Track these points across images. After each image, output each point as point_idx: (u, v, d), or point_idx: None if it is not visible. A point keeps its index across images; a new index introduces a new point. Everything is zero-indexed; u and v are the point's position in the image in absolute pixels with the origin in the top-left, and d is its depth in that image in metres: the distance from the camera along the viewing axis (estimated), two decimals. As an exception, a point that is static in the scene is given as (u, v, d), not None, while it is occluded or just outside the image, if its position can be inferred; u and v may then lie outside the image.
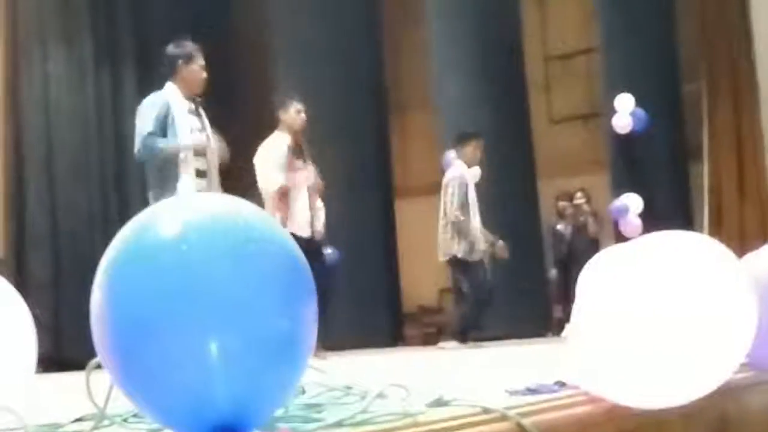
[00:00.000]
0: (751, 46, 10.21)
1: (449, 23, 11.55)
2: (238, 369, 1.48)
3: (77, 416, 2.13)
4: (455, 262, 8.93)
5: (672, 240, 2.24)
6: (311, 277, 1.63)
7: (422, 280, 11.97)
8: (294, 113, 7.70)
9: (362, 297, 11.09)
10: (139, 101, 6.36)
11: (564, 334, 10.61)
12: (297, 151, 7.86)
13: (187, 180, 6.04)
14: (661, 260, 2.10)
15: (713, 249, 2.18)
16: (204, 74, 6.24)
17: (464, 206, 8.75)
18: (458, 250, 8.82)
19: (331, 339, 7.27)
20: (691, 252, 2.16)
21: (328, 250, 10.10)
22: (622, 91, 10.63)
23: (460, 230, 8.80)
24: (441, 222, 9.01)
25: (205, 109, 6.40)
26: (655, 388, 2.00)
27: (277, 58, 11.94)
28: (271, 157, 7.71)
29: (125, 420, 1.93)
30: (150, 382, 1.51)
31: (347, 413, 1.76)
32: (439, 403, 1.88)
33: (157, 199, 5.91)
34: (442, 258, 9.07)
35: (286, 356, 1.56)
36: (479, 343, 8.55)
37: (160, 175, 6.09)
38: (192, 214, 1.58)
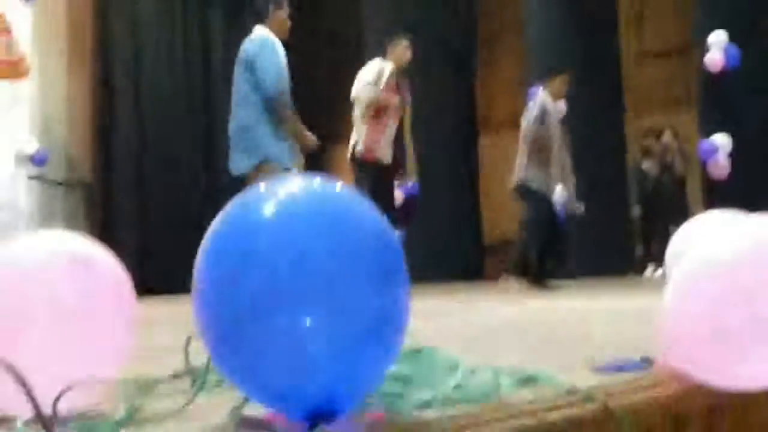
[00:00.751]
0: None
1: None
2: (334, 350, 1.49)
3: (173, 372, 2.15)
4: (520, 189, 8.75)
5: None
6: (403, 257, 1.64)
7: (504, 214, 11.91)
8: (403, 48, 7.75)
9: (444, 229, 11.12)
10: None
11: (646, 274, 10.63)
12: (400, 77, 7.91)
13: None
14: (757, 239, 2.07)
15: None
16: (290, 21, 6.26)
17: (542, 135, 8.54)
18: (524, 176, 8.66)
19: (414, 271, 7.25)
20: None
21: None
22: (716, 27, 10.39)
23: (532, 153, 8.60)
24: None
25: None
26: (746, 368, 1.98)
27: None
28: (374, 70, 7.74)
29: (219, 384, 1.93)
30: (249, 363, 1.54)
31: (438, 391, 1.77)
32: (528, 380, 1.89)
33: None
34: (512, 184, 8.85)
35: (380, 337, 1.57)
36: (548, 282, 8.38)
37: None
38: (295, 197, 1.60)
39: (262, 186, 1.65)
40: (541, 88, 8.78)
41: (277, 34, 6.12)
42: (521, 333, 3.84)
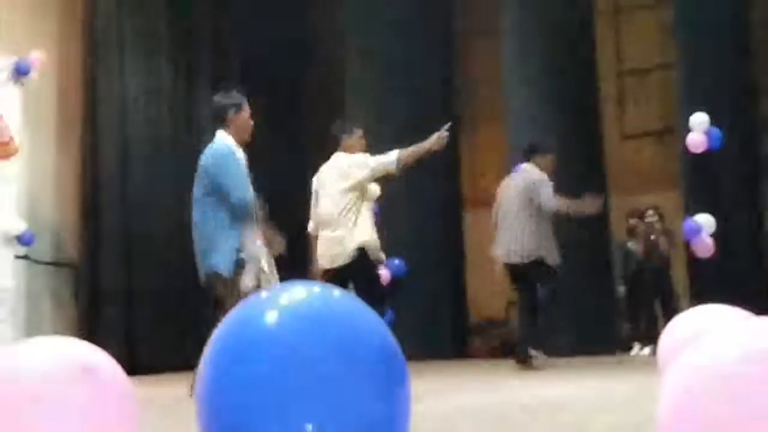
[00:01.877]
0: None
1: (521, 37, 11.54)
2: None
3: None
4: (535, 262, 8.27)
5: (755, 323, 2.20)
6: (404, 362, 1.66)
7: (489, 292, 11.89)
8: (357, 138, 7.37)
9: (429, 307, 11.08)
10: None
11: (632, 352, 10.60)
12: None
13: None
14: (746, 344, 2.08)
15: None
16: (251, 122, 6.05)
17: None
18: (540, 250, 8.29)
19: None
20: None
21: (395, 261, 10.10)
22: (698, 109, 10.49)
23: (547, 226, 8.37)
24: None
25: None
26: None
27: (350, 69, 11.95)
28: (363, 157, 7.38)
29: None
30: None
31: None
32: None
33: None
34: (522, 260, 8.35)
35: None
36: (548, 359, 8.29)
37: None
38: (294, 308, 1.61)
39: (263, 295, 1.67)
40: (527, 165, 8.55)
41: (240, 136, 5.90)
42: (515, 412, 3.83)
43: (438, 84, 11.99)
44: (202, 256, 5.87)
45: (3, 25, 9.55)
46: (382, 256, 7.31)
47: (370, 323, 1.64)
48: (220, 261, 5.68)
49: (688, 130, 10.42)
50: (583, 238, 10.08)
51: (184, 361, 5.24)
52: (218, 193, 5.75)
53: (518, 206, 8.22)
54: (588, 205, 8.45)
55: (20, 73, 9.52)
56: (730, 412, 1.95)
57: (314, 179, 7.04)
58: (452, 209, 12.16)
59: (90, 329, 9.39)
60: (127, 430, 1.81)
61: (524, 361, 8.14)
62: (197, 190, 5.94)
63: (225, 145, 5.86)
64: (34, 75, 9.63)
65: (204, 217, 5.88)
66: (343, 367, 1.54)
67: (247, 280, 5.80)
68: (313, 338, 1.56)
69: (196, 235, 5.99)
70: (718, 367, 2.04)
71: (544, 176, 8.25)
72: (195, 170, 5.94)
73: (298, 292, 1.66)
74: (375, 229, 6.97)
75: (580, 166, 10.78)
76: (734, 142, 10.44)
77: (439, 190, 11.81)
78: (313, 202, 7.12)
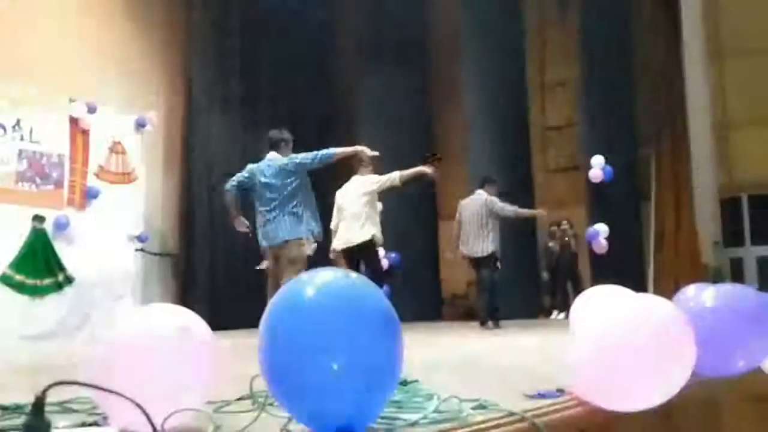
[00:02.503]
0: (686, 126, 10.11)
1: (480, 106, 11.65)
2: (353, 386, 1.51)
3: (240, 396, 2.12)
4: (492, 256, 8.25)
5: (636, 296, 2.22)
6: (399, 324, 1.66)
7: (455, 276, 11.84)
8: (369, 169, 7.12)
9: (414, 286, 11.03)
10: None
11: (552, 316, 10.66)
12: None
13: None
14: (632, 309, 2.09)
15: (665, 304, 2.14)
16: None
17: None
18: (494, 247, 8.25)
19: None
20: (649, 303, 2.14)
21: (392, 254, 10.07)
22: (596, 153, 10.52)
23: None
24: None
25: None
26: (624, 397, 2.00)
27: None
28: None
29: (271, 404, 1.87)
30: (294, 394, 1.55)
31: (419, 414, 1.77)
32: (480, 407, 1.88)
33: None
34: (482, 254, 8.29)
35: (384, 377, 1.58)
36: (496, 323, 8.30)
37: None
38: (323, 285, 1.62)
39: (304, 276, 1.67)
40: (479, 189, 8.60)
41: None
42: (471, 364, 3.81)
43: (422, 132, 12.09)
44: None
45: (126, 85, 9.56)
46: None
47: (374, 294, 1.64)
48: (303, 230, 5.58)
49: (590, 167, 10.44)
50: (518, 240, 10.09)
51: (251, 322, 5.24)
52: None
53: (478, 218, 8.24)
54: (530, 212, 8.95)
55: (140, 125, 9.55)
56: (618, 358, 1.96)
57: (338, 193, 7.02)
58: (431, 220, 12.20)
59: (185, 300, 9.39)
60: (213, 368, 1.80)
61: (483, 323, 8.19)
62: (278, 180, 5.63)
63: (279, 161, 5.64)
64: (149, 128, 9.67)
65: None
66: (356, 325, 1.55)
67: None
68: (336, 305, 1.56)
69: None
70: (610, 325, 2.06)
71: (494, 197, 8.32)
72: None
73: (326, 274, 1.67)
74: (380, 228, 6.99)
75: (517, 191, 10.80)
76: (621, 175, 10.44)
77: (422, 206, 11.86)
78: (336, 207, 7.07)
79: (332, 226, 7.05)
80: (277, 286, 5.62)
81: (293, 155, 5.63)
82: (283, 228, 5.51)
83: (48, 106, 8.66)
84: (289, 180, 5.57)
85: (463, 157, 11.42)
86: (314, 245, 6.23)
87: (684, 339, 2.05)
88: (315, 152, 5.61)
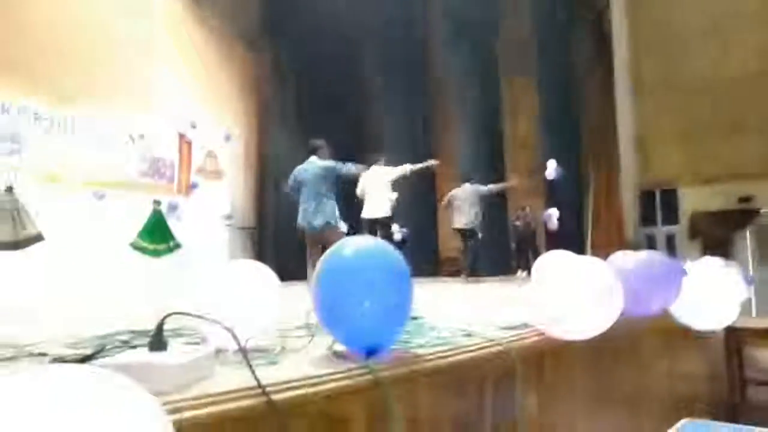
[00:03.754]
0: (616, 140, 9.99)
1: (466, 128, 11.58)
2: (378, 317, 1.50)
3: (297, 326, 2.10)
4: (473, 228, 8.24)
5: (577, 258, 2.20)
6: (410, 275, 1.65)
7: (448, 244, 11.77)
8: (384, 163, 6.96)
9: (420, 250, 10.98)
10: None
11: (517, 275, 10.63)
12: None
13: None
14: (577, 266, 2.07)
15: (599, 263, 2.12)
16: None
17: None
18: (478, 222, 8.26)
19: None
20: (587, 261, 2.12)
21: (404, 229, 10.04)
22: (550, 158, 10.42)
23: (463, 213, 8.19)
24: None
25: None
26: (570, 329, 1.98)
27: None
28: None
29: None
30: (338, 323, 1.54)
31: (425, 339, 1.77)
32: (467, 335, 1.87)
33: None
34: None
35: (400, 312, 1.57)
36: (478, 278, 8.34)
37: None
38: (357, 247, 1.61)
39: (344, 240, 1.67)
40: (465, 183, 8.57)
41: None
42: (460, 305, 3.80)
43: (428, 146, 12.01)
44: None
45: (217, 107, 9.60)
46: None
47: (392, 253, 1.63)
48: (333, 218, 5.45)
49: (546, 169, 10.35)
50: (494, 220, 10.04)
51: (304, 276, 5.23)
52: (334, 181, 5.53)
53: (467, 202, 8.25)
54: (502, 185, 8.90)
55: (226, 137, 9.58)
56: (566, 300, 1.93)
57: (364, 175, 6.64)
58: (432, 203, 12.11)
59: (259, 259, 9.46)
60: (279, 304, 1.80)
61: (466, 278, 8.18)
62: (318, 179, 5.48)
63: (321, 162, 5.54)
64: (233, 139, 9.70)
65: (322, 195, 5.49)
66: (380, 275, 1.54)
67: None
68: (366, 261, 1.56)
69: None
70: (562, 277, 2.03)
71: (477, 186, 8.34)
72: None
73: (359, 240, 1.66)
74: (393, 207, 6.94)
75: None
76: (569, 176, 10.37)
77: (427, 195, 11.81)
78: (360, 186, 6.92)
79: (358, 193, 6.95)
80: (312, 255, 5.60)
81: (329, 162, 5.52)
82: (317, 216, 5.45)
83: (163, 124, 8.71)
84: (323, 179, 5.49)
85: (455, 161, 11.35)
86: (342, 229, 6.05)
87: (614, 287, 2.03)
88: (343, 164, 5.52)
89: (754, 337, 4.20)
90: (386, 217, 6.80)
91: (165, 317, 1.27)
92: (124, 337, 1.93)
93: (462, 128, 11.72)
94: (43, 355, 1.66)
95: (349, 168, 5.57)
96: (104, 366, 1.09)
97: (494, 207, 9.90)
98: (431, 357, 1.56)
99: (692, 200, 10.27)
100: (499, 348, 1.72)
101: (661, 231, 11.03)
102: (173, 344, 1.35)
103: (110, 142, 8.09)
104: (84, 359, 1.48)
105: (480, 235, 8.32)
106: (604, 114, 10.35)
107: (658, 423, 2.59)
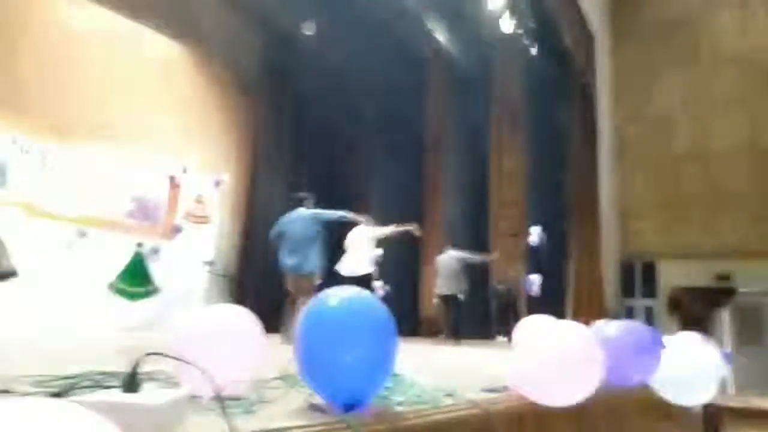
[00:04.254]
0: (598, 212, 10.16)
1: (453, 189, 11.72)
2: (359, 373, 1.48)
3: (275, 376, 2.06)
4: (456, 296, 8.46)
5: (560, 323, 2.19)
6: (395, 330, 1.63)
7: (429, 306, 11.68)
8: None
9: (401, 310, 10.87)
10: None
11: (497, 339, 10.53)
12: None
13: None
14: (559, 331, 2.06)
15: (581, 329, 2.12)
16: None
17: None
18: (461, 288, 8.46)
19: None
20: (570, 327, 2.12)
21: (387, 286, 9.98)
22: (534, 224, 10.53)
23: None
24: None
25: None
26: (551, 394, 1.96)
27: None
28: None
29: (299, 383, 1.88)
30: (316, 375, 1.52)
31: (404, 396, 1.74)
32: (448, 395, 1.84)
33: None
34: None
35: (381, 368, 1.55)
36: (460, 341, 8.29)
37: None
38: (342, 299, 1.60)
39: (329, 291, 1.66)
40: (450, 249, 8.65)
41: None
42: (441, 366, 3.74)
43: (414, 204, 12.10)
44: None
45: (208, 153, 9.64)
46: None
47: (378, 307, 1.62)
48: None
49: (529, 234, 10.45)
50: (477, 283, 10.01)
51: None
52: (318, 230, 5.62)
53: (449, 268, 8.32)
54: (483, 258, 8.87)
55: (216, 183, 9.60)
56: (547, 366, 1.92)
57: (352, 232, 6.84)
58: (415, 265, 12.09)
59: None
60: (260, 354, 1.76)
61: (446, 340, 8.12)
62: (305, 230, 5.62)
63: (306, 213, 5.70)
64: (223, 185, 9.72)
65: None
66: (364, 328, 1.53)
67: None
68: (351, 314, 1.55)
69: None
70: (543, 341, 2.03)
71: (462, 253, 8.42)
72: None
73: (344, 291, 1.65)
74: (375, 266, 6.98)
75: (479, 247, 10.79)
76: (552, 243, 10.46)
77: (410, 255, 11.79)
78: (348, 240, 6.95)
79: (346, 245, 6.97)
80: (293, 303, 5.57)
81: (317, 211, 5.65)
82: (292, 256, 5.55)
83: (154, 166, 8.73)
84: (309, 228, 5.62)
85: (440, 224, 11.42)
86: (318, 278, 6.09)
87: (596, 355, 2.02)
88: (333, 212, 5.65)
89: (731, 416, 4.18)
90: (367, 274, 6.81)
91: (141, 357, 1.23)
92: (95, 377, 1.87)
93: (449, 191, 11.86)
94: (7, 392, 1.60)
95: (333, 213, 5.68)
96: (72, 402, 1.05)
97: (476, 271, 9.91)
98: (411, 416, 1.53)
99: (671, 274, 10.40)
100: (479, 410, 1.68)
101: (640, 303, 11.12)
102: (147, 387, 1.31)
103: (98, 180, 8.06)
104: (52, 397, 1.43)
105: (462, 301, 8.39)
106: (588, 182, 10.59)
107: (636, 499, 2.53)
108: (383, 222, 7.05)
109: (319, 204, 5.85)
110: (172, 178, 8.95)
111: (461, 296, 8.34)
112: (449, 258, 8.39)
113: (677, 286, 10.16)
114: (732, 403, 4.22)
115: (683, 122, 10.54)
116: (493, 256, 9.19)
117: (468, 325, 9.82)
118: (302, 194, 5.83)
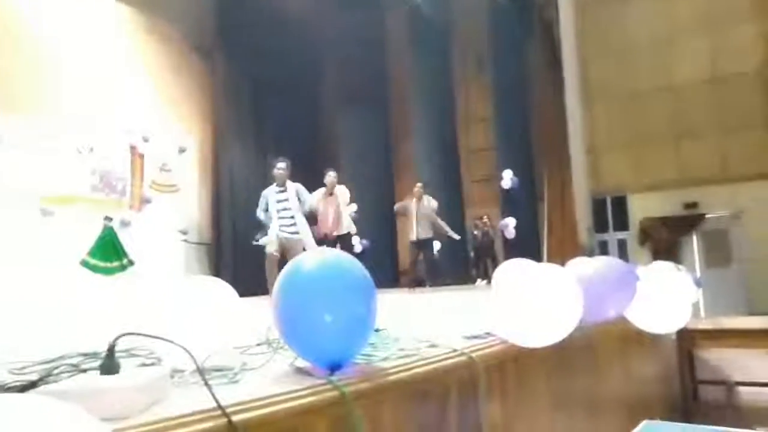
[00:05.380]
0: (567, 150, 10.22)
1: (423, 138, 11.67)
2: (341, 332, 1.47)
3: (257, 342, 2.02)
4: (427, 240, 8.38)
5: (538, 266, 2.21)
6: (374, 286, 1.62)
7: (406, 256, 11.81)
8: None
9: (380, 262, 10.97)
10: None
11: (476, 284, 10.73)
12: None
13: None
14: (534, 275, 2.09)
15: (559, 271, 2.14)
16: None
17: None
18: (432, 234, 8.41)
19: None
20: (548, 270, 2.14)
21: (364, 241, 10.01)
22: (505, 168, 10.61)
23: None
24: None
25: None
26: (532, 337, 1.99)
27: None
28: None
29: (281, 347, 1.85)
30: (299, 338, 1.51)
31: (388, 352, 1.75)
32: (432, 345, 1.86)
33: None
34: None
35: (364, 325, 1.55)
36: (437, 288, 8.42)
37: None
38: (320, 259, 1.58)
39: (306, 253, 1.63)
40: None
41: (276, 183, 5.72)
42: (423, 316, 3.79)
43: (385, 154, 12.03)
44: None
45: (171, 120, 9.40)
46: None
47: (357, 265, 1.61)
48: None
49: (501, 178, 10.52)
50: (453, 229, 10.10)
51: (261, 290, 5.17)
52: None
53: (420, 214, 8.32)
54: (449, 231, 8.62)
55: (181, 150, 9.39)
56: (526, 308, 1.94)
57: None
58: (391, 215, 12.10)
59: (216, 275, 9.26)
60: (239, 321, 1.74)
61: (422, 285, 8.25)
62: (290, 198, 5.61)
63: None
64: (188, 152, 9.51)
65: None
66: (343, 287, 1.52)
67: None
68: (329, 273, 1.53)
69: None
70: (521, 285, 2.04)
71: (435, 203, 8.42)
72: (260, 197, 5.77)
73: (321, 252, 1.63)
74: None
75: (451, 195, 10.88)
76: (524, 185, 10.56)
77: (385, 206, 11.79)
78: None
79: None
80: (279, 266, 5.56)
81: (299, 186, 5.61)
82: (293, 227, 5.54)
83: (114, 136, 8.47)
84: (294, 198, 5.57)
85: (412, 173, 11.40)
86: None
87: (574, 295, 2.05)
88: (306, 195, 5.61)
89: (704, 339, 4.35)
90: (346, 234, 6.90)
91: (117, 338, 1.21)
92: (73, 361, 1.83)
93: (420, 138, 11.79)
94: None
95: (311, 198, 5.74)
96: (50, 393, 1.03)
97: (452, 217, 9.97)
98: (395, 370, 1.54)
99: (641, 206, 10.62)
100: (463, 357, 1.71)
101: (613, 237, 11.37)
102: (126, 366, 1.28)
103: (58, 155, 7.80)
104: (28, 386, 1.40)
105: (436, 246, 8.45)
106: (556, 122, 10.60)
107: (617, 425, 2.64)
108: (354, 176, 7.03)
109: (293, 168, 5.75)
110: (133, 148, 8.71)
111: (432, 241, 8.44)
112: (422, 204, 8.40)
113: (646, 218, 10.42)
114: (703, 326, 4.38)
115: (650, 54, 10.56)
116: (454, 236, 8.98)
117: (446, 270, 9.97)
118: (281, 164, 5.72)
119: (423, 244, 8.30)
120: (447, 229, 8.49)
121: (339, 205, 6.89)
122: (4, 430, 0.62)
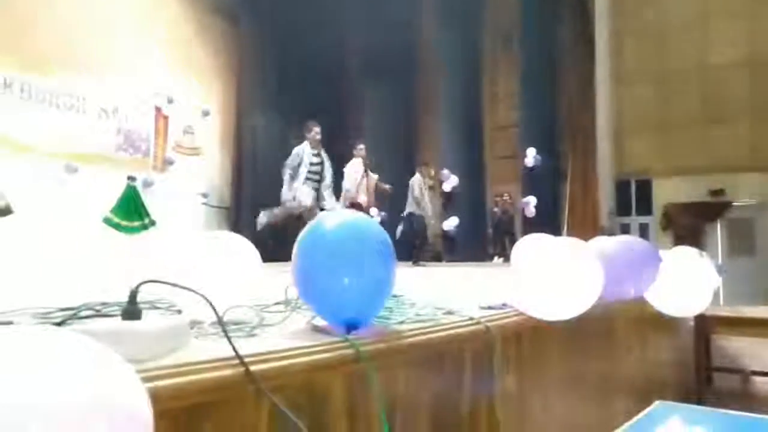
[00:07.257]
0: (594, 131, 10.07)
1: (447, 113, 11.53)
2: (360, 293, 1.47)
3: (276, 301, 2.04)
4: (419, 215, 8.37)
5: (559, 240, 2.19)
6: (393, 248, 1.61)
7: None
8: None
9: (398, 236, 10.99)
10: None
11: (494, 261, 10.70)
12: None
13: None
14: (555, 248, 2.06)
15: (580, 244, 2.12)
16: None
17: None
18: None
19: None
20: (569, 243, 2.12)
21: (383, 213, 10.01)
22: (529, 146, 10.47)
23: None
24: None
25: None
26: (549, 310, 1.98)
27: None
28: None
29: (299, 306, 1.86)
30: (318, 297, 1.51)
31: (404, 316, 1.75)
32: (448, 313, 1.85)
33: None
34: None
35: (382, 288, 1.54)
36: (454, 263, 8.41)
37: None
38: (342, 219, 1.57)
39: (326, 214, 1.63)
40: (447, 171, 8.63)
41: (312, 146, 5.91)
42: (441, 286, 3.79)
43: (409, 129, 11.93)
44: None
45: (195, 83, 9.41)
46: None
47: (376, 227, 1.60)
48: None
49: (524, 156, 10.39)
50: (473, 207, 10.06)
51: (280, 256, 5.21)
52: None
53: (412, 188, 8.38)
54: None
55: (204, 114, 9.42)
56: (545, 281, 1.93)
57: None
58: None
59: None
60: (258, 278, 1.76)
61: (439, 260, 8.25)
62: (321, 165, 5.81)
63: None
64: (211, 116, 9.53)
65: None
66: (363, 249, 1.51)
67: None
68: (349, 234, 1.52)
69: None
70: (541, 257, 2.03)
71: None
72: (284, 163, 5.82)
73: (342, 213, 1.63)
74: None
75: (474, 172, 10.81)
76: (546, 163, 10.43)
77: (404, 179, 11.76)
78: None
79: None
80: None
81: (325, 155, 5.72)
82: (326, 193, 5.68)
83: (139, 97, 8.51)
84: (322, 165, 5.69)
85: (435, 148, 11.33)
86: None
87: (593, 269, 2.03)
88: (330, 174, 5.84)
89: (722, 326, 4.30)
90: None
91: (138, 285, 1.22)
92: (95, 307, 1.87)
93: (445, 113, 11.67)
94: (9, 323, 1.60)
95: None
96: (75, 331, 1.04)
97: (473, 193, 9.93)
98: (411, 333, 1.54)
99: (666, 191, 10.45)
100: (479, 326, 1.70)
101: (635, 220, 11.24)
102: (147, 315, 1.30)
103: (84, 114, 7.87)
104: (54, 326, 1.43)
105: (453, 222, 8.45)
106: (583, 103, 10.43)
107: (629, 404, 2.63)
108: (376, 148, 7.02)
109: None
110: (158, 109, 8.76)
111: (454, 216, 8.45)
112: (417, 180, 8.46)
113: (670, 203, 10.25)
114: (723, 313, 4.33)
115: (684, 37, 10.25)
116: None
117: (466, 247, 9.96)
118: (314, 127, 5.73)
119: (411, 218, 8.38)
120: (385, 186, 8.22)
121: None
122: (31, 357, 0.63)
